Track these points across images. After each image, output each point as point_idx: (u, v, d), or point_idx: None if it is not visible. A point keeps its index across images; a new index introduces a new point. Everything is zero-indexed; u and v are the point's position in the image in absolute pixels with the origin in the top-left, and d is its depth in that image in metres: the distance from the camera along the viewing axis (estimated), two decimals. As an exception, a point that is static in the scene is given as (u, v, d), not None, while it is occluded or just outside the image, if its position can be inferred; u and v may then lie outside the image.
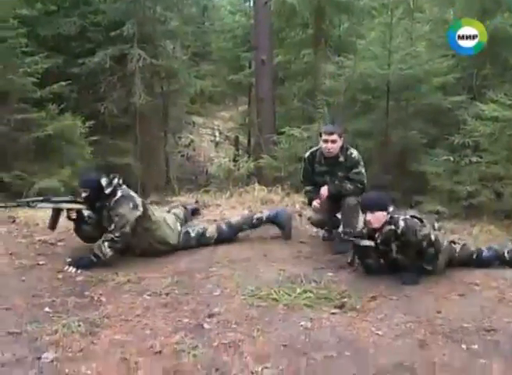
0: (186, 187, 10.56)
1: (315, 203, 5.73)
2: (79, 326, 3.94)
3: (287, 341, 3.78)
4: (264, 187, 8.16)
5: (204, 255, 5.44)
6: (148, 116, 12.36)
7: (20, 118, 8.79)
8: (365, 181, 5.68)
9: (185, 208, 6.33)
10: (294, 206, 6.86)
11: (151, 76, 12.21)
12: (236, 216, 6.05)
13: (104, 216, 5.22)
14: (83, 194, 5.21)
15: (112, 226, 5.10)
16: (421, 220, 4.87)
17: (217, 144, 17.44)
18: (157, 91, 12.87)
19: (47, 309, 4.24)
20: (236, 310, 4.24)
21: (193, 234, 5.63)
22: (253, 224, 5.88)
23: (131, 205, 5.17)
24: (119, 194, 5.18)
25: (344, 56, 9.99)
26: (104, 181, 5.19)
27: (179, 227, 5.61)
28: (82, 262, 5.07)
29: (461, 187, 8.08)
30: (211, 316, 4.16)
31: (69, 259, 5.13)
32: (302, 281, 4.78)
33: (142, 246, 5.33)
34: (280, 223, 5.93)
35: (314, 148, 5.91)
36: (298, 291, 4.57)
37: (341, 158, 5.67)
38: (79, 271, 4.98)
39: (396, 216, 4.84)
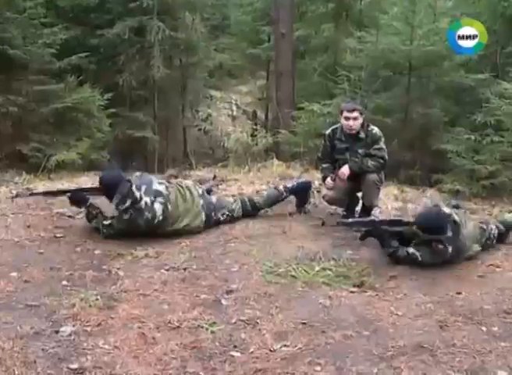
0: (203, 162, 10.53)
1: (329, 180, 5.69)
2: (97, 300, 3.93)
3: (306, 319, 3.75)
4: (282, 163, 8.11)
5: (222, 230, 5.41)
6: (166, 88, 12.31)
7: (39, 89, 8.77)
8: (386, 157, 5.63)
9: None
10: (313, 183, 6.79)
11: (170, 49, 12.11)
12: (261, 196, 5.96)
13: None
14: (115, 201, 5.03)
15: (107, 222, 5.09)
16: None
17: (234, 118, 17.34)
18: (175, 64, 12.79)
19: (64, 283, 4.24)
20: (254, 287, 4.22)
21: (222, 219, 5.56)
22: (277, 203, 5.86)
23: (130, 227, 5.05)
24: (127, 214, 5.00)
25: (366, 31, 9.86)
26: (115, 199, 5.00)
27: (204, 218, 5.50)
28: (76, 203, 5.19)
29: (482, 166, 7.99)
30: (229, 292, 4.14)
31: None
32: (321, 258, 4.74)
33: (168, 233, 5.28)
34: (297, 193, 5.92)
35: (335, 126, 5.86)
36: (317, 268, 4.54)
37: (362, 135, 5.62)
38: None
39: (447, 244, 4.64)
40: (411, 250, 4.69)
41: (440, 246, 4.62)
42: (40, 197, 5.99)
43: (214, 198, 5.67)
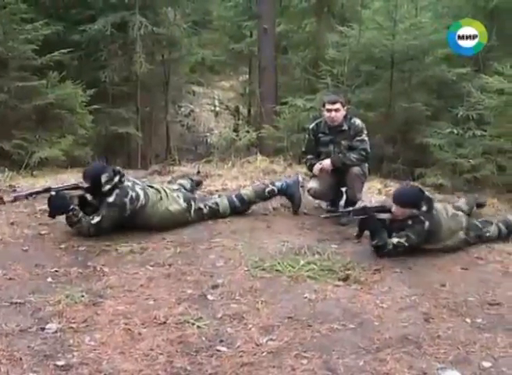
0: (187, 158, 10.51)
1: (317, 165, 5.67)
2: (82, 296, 3.93)
3: (291, 313, 3.78)
4: (266, 158, 8.11)
5: (207, 225, 5.40)
6: (149, 84, 12.27)
7: (21, 86, 8.67)
8: (369, 149, 5.65)
9: (191, 179, 6.24)
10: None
11: (153, 45, 12.05)
12: (246, 189, 5.95)
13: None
14: (85, 185, 5.13)
15: (94, 220, 5.04)
16: None
17: (217, 114, 17.32)
18: (158, 60, 12.75)
19: (49, 279, 4.23)
20: (239, 281, 4.23)
21: (205, 211, 5.55)
22: (265, 197, 5.80)
23: (117, 212, 5.05)
24: (113, 196, 5.04)
25: (348, 26, 9.88)
26: (104, 177, 5.04)
27: (183, 204, 5.49)
28: (57, 208, 5.07)
29: (464, 160, 8.05)
30: (214, 287, 4.15)
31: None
32: (306, 253, 4.76)
33: (150, 225, 5.29)
34: (291, 196, 5.87)
35: (319, 119, 5.89)
36: (302, 262, 4.55)
37: (345, 127, 5.65)
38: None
39: (423, 218, 4.77)
40: (396, 240, 4.75)
41: (416, 223, 4.75)
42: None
43: (195, 194, 5.71)
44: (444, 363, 3.25)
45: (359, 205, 5.54)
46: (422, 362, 3.24)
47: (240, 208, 5.68)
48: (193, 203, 5.48)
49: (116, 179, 5.08)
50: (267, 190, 5.77)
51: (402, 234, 4.77)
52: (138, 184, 5.27)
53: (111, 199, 5.03)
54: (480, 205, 6.03)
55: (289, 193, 5.84)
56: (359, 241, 5.07)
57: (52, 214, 5.13)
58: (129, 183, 5.17)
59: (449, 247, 4.92)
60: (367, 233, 4.96)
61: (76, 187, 5.33)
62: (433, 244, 4.86)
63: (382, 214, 4.95)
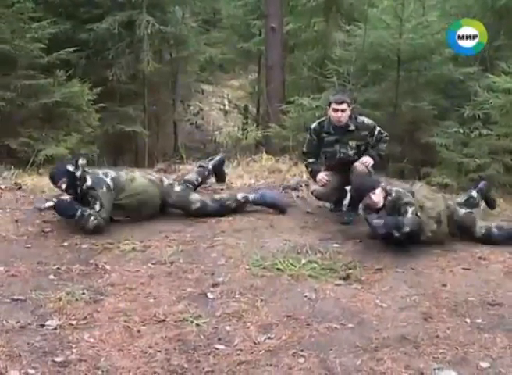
0: (194, 156, 10.51)
1: (323, 176, 5.67)
2: (83, 293, 3.96)
3: (291, 312, 3.79)
4: (271, 157, 8.11)
5: (210, 224, 5.42)
6: (157, 83, 12.28)
7: (28, 84, 8.71)
8: (387, 134, 5.82)
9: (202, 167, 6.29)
10: (301, 176, 6.81)
11: (160, 43, 12.08)
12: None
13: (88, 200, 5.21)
14: (63, 186, 5.17)
15: (97, 207, 5.11)
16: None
17: (226, 112, 17.32)
18: (166, 59, 12.77)
19: (51, 277, 4.26)
20: (240, 280, 4.25)
21: (177, 189, 5.66)
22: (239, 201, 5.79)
23: (104, 187, 5.18)
24: (89, 180, 5.20)
25: (355, 25, 9.85)
26: (70, 167, 5.20)
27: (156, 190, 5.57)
28: (64, 212, 5.16)
29: (470, 159, 8.02)
30: (215, 285, 4.17)
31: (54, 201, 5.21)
32: (307, 252, 4.77)
33: (133, 213, 5.39)
34: (270, 204, 5.83)
35: (321, 119, 5.85)
36: (303, 261, 4.57)
37: (351, 127, 5.62)
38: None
39: (389, 187, 5.09)
40: (409, 213, 4.86)
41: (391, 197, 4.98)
42: (28, 192, 6.03)
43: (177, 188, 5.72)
44: (442, 363, 3.24)
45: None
46: (419, 362, 3.24)
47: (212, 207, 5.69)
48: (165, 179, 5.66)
49: (80, 162, 5.25)
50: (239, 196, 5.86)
51: (405, 209, 4.87)
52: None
53: (89, 183, 5.17)
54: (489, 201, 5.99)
55: (267, 203, 5.84)
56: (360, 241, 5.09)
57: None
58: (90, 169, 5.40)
59: (437, 234, 5.01)
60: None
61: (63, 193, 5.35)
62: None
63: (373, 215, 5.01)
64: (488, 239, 5.14)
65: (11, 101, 8.60)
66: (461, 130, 8.29)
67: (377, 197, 4.93)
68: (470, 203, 5.51)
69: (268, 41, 12.44)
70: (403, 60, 9.16)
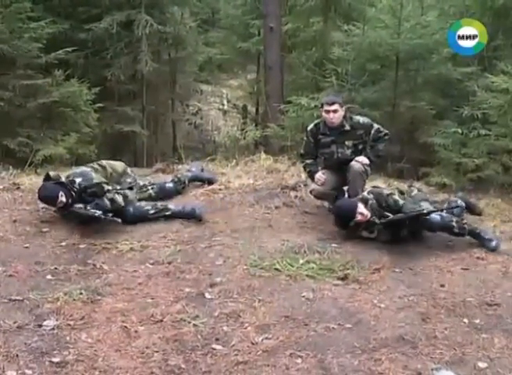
0: (193, 156, 10.50)
1: (320, 175, 5.69)
2: (80, 294, 3.95)
3: (288, 312, 3.78)
4: (270, 157, 8.09)
5: (207, 224, 5.41)
6: (155, 83, 12.26)
7: (26, 84, 8.70)
8: (388, 132, 5.79)
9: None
10: (300, 176, 6.79)
11: (158, 43, 12.07)
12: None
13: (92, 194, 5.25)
14: (63, 199, 5.10)
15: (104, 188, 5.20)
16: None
17: (225, 112, 17.30)
18: (164, 58, 12.75)
19: (49, 277, 4.26)
20: (238, 280, 4.25)
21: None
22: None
23: (93, 173, 5.31)
24: (78, 179, 5.26)
25: (353, 24, 9.85)
26: (51, 182, 5.23)
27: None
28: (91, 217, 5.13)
29: (469, 159, 8.02)
30: (212, 285, 4.16)
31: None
32: (305, 252, 4.77)
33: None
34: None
35: (318, 120, 5.87)
36: (301, 261, 4.57)
37: (347, 127, 5.63)
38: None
39: (363, 195, 5.18)
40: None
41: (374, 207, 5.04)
42: (27, 192, 6.02)
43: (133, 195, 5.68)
44: (439, 364, 3.25)
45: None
46: (417, 363, 3.24)
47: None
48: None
49: (52, 173, 5.36)
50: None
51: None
52: None
53: (79, 179, 5.24)
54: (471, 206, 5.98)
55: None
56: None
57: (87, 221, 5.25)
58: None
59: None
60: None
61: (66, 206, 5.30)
62: None
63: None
64: (423, 220, 5.04)
65: (9, 101, 8.59)
66: (460, 130, 8.30)
67: (363, 210, 4.96)
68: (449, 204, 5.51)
69: (267, 40, 12.43)
70: (402, 60, 9.17)
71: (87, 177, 5.22)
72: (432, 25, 9.17)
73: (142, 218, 5.39)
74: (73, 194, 5.17)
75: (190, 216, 5.51)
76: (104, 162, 5.65)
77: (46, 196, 5.20)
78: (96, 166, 5.52)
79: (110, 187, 5.20)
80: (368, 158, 5.59)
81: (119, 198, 5.19)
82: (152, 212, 5.44)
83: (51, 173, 5.32)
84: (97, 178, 5.26)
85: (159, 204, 5.59)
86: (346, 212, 5.07)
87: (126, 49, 11.19)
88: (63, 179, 5.26)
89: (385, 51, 9.18)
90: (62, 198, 5.08)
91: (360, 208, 4.95)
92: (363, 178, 5.66)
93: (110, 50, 10.96)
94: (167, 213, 5.48)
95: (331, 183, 5.71)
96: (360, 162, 5.55)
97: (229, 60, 16.73)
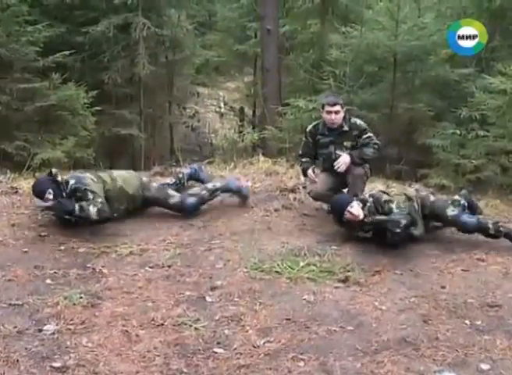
0: (191, 159, 10.48)
1: (310, 172, 5.70)
2: (80, 298, 3.93)
3: (290, 315, 3.78)
4: (268, 159, 8.08)
5: (207, 227, 5.40)
6: (153, 86, 12.24)
7: (23, 88, 8.68)
8: (379, 143, 5.69)
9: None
10: (298, 178, 6.78)
11: (156, 46, 12.05)
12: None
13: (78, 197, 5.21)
14: (50, 196, 5.08)
15: (88, 196, 5.12)
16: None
17: (222, 115, 17.30)
18: (161, 61, 12.74)
19: (48, 281, 4.24)
20: (238, 283, 4.23)
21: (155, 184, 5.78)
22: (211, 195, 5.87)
23: (89, 180, 5.23)
24: (71, 180, 5.22)
25: (351, 26, 9.86)
26: (48, 178, 5.22)
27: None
28: (63, 209, 5.11)
29: (467, 160, 8.02)
30: (213, 288, 4.15)
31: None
32: (305, 254, 4.76)
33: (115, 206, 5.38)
34: (235, 191, 5.98)
35: (317, 121, 5.88)
36: (301, 264, 4.56)
37: (345, 128, 5.62)
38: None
39: (364, 196, 5.18)
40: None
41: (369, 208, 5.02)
42: (25, 196, 5.99)
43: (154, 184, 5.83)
44: (442, 366, 3.24)
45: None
46: (420, 365, 3.23)
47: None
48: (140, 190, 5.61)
49: (54, 170, 5.28)
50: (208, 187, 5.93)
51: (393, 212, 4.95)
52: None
53: (72, 181, 5.19)
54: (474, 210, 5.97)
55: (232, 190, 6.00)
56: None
57: (64, 220, 5.25)
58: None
59: None
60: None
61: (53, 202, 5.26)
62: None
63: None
64: (456, 222, 5.09)
65: (7, 105, 8.57)
66: (458, 132, 8.30)
67: (355, 210, 4.92)
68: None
69: (264, 43, 12.44)
70: (400, 62, 9.18)
71: (81, 182, 5.19)
72: (429, 27, 9.18)
73: (202, 203, 5.73)
74: (63, 194, 5.15)
75: (237, 193, 5.90)
76: (113, 176, 5.55)
77: (35, 189, 5.23)
78: (101, 175, 5.47)
79: (91, 197, 5.11)
80: (351, 155, 5.55)
81: (92, 210, 5.05)
82: (208, 194, 5.75)
83: (53, 170, 5.28)
84: (89, 185, 5.18)
85: (209, 185, 5.88)
86: (336, 206, 5.09)
87: (123, 52, 11.17)
88: (59, 178, 5.21)
89: (383, 52, 9.20)
90: (49, 196, 5.07)
91: (354, 206, 4.93)
92: (363, 181, 5.65)
93: (107, 53, 10.94)
94: (218, 193, 5.84)
95: (328, 184, 5.70)
96: (343, 161, 5.52)
97: (225, 62, 16.77)
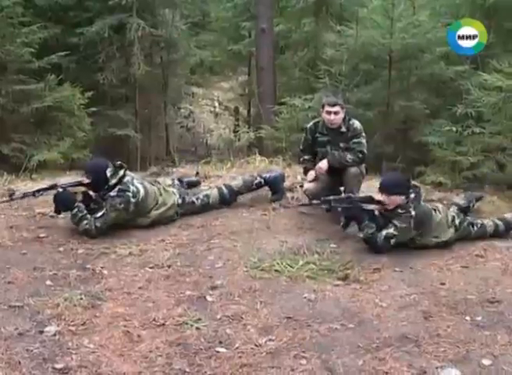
0: (186, 159, 10.49)
1: (311, 173, 5.72)
2: (81, 299, 3.92)
3: (291, 313, 3.78)
4: (265, 158, 8.08)
5: (206, 226, 5.40)
6: (148, 86, 12.22)
7: (19, 89, 8.68)
8: (365, 151, 5.63)
9: (180, 181, 6.25)
10: (295, 177, 6.79)
11: (150, 46, 12.02)
12: (237, 180, 6.14)
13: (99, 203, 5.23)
14: (87, 180, 5.21)
15: (99, 214, 5.10)
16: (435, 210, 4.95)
17: (217, 115, 17.30)
18: (156, 62, 12.72)
19: (48, 282, 4.23)
20: (238, 282, 4.23)
21: (197, 204, 5.70)
22: (252, 189, 6.01)
23: (122, 205, 5.12)
24: (116, 190, 5.14)
25: (346, 25, 9.87)
26: (109, 171, 5.17)
27: (178, 199, 5.57)
28: (63, 203, 5.17)
29: (464, 157, 8.03)
30: (213, 288, 4.15)
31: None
32: (305, 253, 4.77)
33: (144, 224, 5.34)
34: (275, 187, 6.06)
35: (317, 119, 5.90)
36: (301, 262, 4.56)
37: (343, 129, 5.64)
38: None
39: (410, 205, 4.82)
40: (384, 232, 4.78)
41: (403, 211, 4.77)
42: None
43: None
44: (444, 362, 3.24)
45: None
46: (422, 361, 3.24)
47: (228, 199, 5.84)
48: (186, 197, 5.64)
49: (121, 173, 5.20)
50: (255, 182, 5.97)
51: (390, 226, 4.80)
52: (137, 179, 5.36)
53: (113, 193, 5.11)
54: (478, 199, 6.01)
55: (274, 184, 6.05)
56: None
57: (58, 210, 5.26)
58: (129, 178, 5.25)
59: (444, 242, 4.94)
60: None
61: (81, 184, 5.36)
62: (425, 238, 4.87)
63: (369, 205, 4.98)
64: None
65: (2, 107, 8.59)
66: (454, 129, 8.30)
67: (389, 201, 4.83)
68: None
69: (259, 42, 12.45)
70: (395, 59, 9.17)
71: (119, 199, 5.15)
72: (423, 24, 9.18)
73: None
74: (98, 191, 5.23)
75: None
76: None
77: (90, 163, 5.64)
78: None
79: (104, 212, 5.12)
80: (332, 159, 5.58)
81: (81, 226, 5.08)
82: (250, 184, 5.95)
83: (121, 172, 5.25)
84: (114, 210, 5.12)
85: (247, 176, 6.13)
86: (392, 184, 4.89)
87: (118, 53, 11.11)
88: (114, 181, 5.19)
89: (378, 51, 9.19)
90: (85, 180, 5.25)
91: (392, 199, 4.81)
92: (359, 180, 5.67)
93: (102, 54, 10.89)
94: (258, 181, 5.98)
95: (324, 183, 5.70)
96: (318, 167, 5.60)
97: (220, 62, 16.73)
